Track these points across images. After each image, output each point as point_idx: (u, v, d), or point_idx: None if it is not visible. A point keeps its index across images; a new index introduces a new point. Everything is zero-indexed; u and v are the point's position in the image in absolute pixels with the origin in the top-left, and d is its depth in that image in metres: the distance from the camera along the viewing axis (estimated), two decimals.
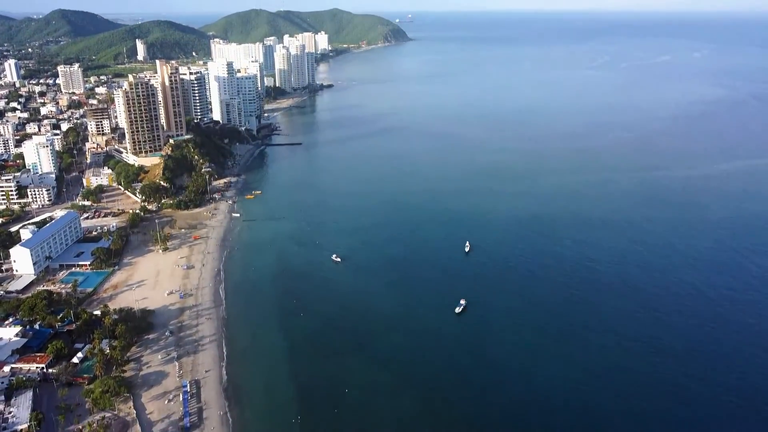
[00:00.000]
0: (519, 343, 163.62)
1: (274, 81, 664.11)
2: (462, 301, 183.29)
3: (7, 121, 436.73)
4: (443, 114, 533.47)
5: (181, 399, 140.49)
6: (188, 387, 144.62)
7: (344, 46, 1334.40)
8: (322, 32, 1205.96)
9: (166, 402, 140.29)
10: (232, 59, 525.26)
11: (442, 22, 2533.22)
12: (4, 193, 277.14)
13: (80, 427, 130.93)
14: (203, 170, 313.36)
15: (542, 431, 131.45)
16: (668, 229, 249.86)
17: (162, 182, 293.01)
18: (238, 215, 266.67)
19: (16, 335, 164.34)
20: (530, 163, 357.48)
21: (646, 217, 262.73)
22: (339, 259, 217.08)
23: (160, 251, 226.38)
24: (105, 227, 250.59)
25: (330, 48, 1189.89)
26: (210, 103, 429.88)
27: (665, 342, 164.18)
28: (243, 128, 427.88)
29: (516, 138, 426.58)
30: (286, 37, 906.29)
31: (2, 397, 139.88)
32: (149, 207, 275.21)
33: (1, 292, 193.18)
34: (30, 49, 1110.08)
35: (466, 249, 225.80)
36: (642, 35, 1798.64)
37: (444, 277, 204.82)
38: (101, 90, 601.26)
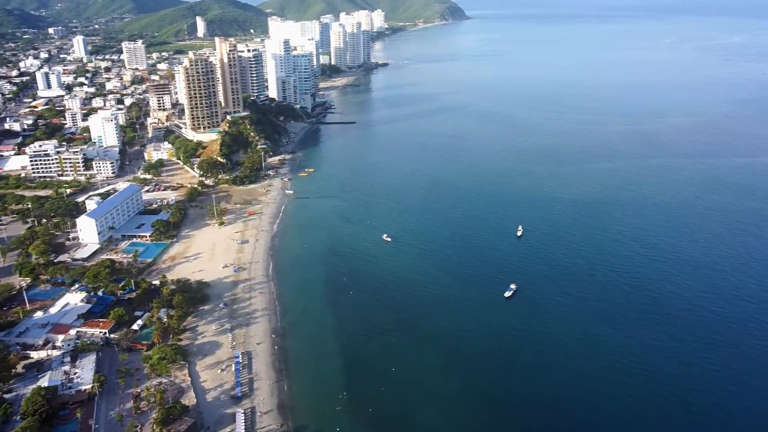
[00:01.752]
0: (570, 331, 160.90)
1: (330, 59, 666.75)
2: (512, 286, 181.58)
3: (75, 95, 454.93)
4: (500, 94, 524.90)
5: (233, 369, 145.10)
6: (240, 358, 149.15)
7: (400, 24, 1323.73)
8: (378, 10, 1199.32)
9: (219, 371, 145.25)
10: (289, 37, 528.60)
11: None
12: (71, 164, 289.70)
13: (139, 390, 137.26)
14: (258, 147, 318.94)
15: (586, 420, 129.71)
16: (733, 218, 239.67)
17: (219, 158, 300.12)
18: (291, 192, 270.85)
19: (82, 301, 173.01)
20: (588, 146, 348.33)
21: (710, 205, 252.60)
22: (389, 239, 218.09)
23: (216, 225, 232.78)
24: (164, 200, 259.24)
25: (386, 26, 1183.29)
26: (266, 81, 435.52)
27: (727, 338, 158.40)
28: (298, 106, 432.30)
29: (575, 120, 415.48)
30: (342, 15, 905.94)
31: (68, 359, 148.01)
32: (206, 182, 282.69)
33: (68, 259, 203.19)
34: (96, 26, 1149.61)
35: (519, 233, 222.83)
36: (711, 13, 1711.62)
37: (495, 260, 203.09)
38: (163, 66, 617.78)
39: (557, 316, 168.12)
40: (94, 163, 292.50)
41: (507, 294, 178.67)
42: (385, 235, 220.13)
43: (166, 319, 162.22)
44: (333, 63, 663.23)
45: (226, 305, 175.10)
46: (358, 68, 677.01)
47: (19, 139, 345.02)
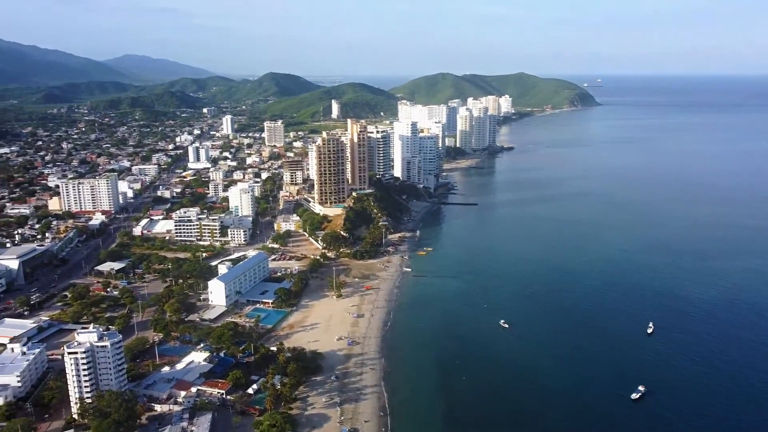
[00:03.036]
0: None
1: (455, 141, 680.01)
2: (641, 387, 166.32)
3: (219, 168, 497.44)
4: (629, 181, 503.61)
5: None
6: None
7: (528, 109, 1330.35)
8: (506, 96, 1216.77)
9: None
10: (417, 119, 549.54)
11: (633, 87, 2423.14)
12: (209, 230, 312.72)
13: None
14: (380, 223, 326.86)
15: None
16: None
17: (342, 232, 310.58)
18: (409, 270, 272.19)
19: (205, 360, 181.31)
20: (727, 241, 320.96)
21: None
22: (507, 325, 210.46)
23: (334, 297, 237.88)
24: (288, 269, 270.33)
25: (513, 111, 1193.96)
26: (392, 160, 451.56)
27: None
28: (421, 185, 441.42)
29: (715, 213, 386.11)
30: (469, 100, 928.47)
31: (187, 415, 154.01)
32: (328, 254, 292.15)
33: (197, 319, 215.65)
34: (243, 107, 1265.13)
35: (649, 330, 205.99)
36: None
37: (621, 356, 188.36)
38: (298, 144, 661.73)
39: (695, 427, 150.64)
40: (229, 230, 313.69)
41: (634, 396, 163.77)
42: (502, 321, 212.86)
43: (279, 386, 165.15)
44: (458, 145, 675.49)
45: (337, 378, 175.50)
46: (482, 151, 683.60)
47: (168, 205, 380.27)
